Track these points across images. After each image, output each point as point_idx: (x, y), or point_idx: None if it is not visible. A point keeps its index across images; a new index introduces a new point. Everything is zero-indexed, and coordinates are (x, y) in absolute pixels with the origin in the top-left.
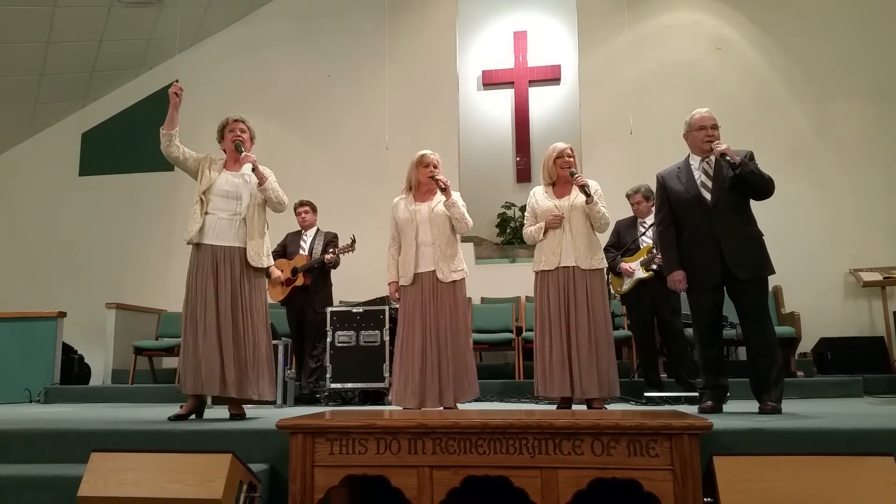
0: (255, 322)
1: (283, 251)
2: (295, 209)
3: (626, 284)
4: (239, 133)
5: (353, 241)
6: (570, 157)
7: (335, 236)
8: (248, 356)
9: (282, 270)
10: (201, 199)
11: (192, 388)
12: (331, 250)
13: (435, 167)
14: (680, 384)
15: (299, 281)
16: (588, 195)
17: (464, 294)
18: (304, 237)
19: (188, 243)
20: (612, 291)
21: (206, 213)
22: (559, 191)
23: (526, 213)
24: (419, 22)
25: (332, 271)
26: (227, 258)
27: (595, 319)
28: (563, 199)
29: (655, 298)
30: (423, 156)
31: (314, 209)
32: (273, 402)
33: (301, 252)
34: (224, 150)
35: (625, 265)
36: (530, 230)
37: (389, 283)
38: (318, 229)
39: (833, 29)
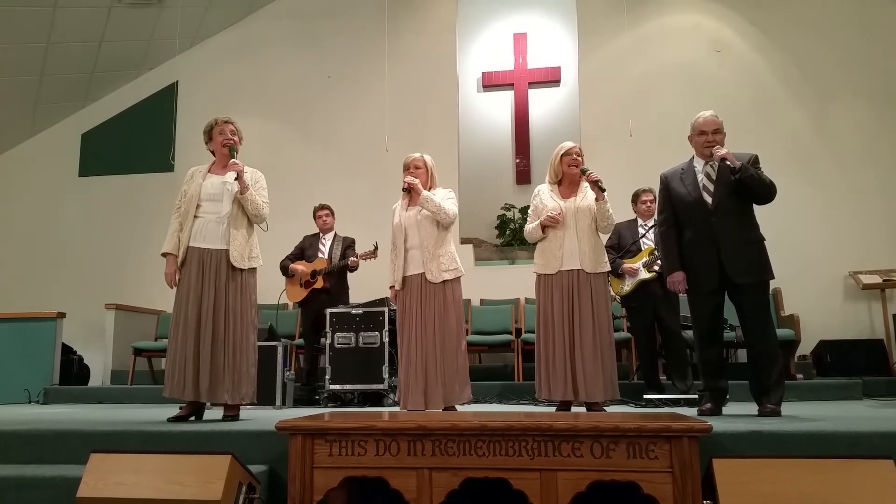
0: (238, 325)
1: (301, 254)
2: (315, 213)
3: (628, 286)
4: (230, 135)
5: (376, 248)
6: (578, 155)
7: (353, 241)
8: (227, 360)
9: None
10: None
11: (168, 393)
12: (354, 255)
13: (417, 168)
14: (673, 386)
15: (318, 284)
16: (602, 190)
17: (457, 294)
18: (323, 240)
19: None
20: (612, 293)
21: (196, 216)
22: (565, 191)
23: (529, 210)
24: (419, 23)
25: (349, 274)
26: (212, 260)
27: (600, 323)
28: (568, 199)
29: (657, 300)
30: (405, 159)
31: (333, 213)
32: (253, 404)
33: (320, 255)
34: (212, 152)
35: (628, 265)
36: (530, 227)
37: (390, 288)
38: (335, 233)
39: (832, 31)
